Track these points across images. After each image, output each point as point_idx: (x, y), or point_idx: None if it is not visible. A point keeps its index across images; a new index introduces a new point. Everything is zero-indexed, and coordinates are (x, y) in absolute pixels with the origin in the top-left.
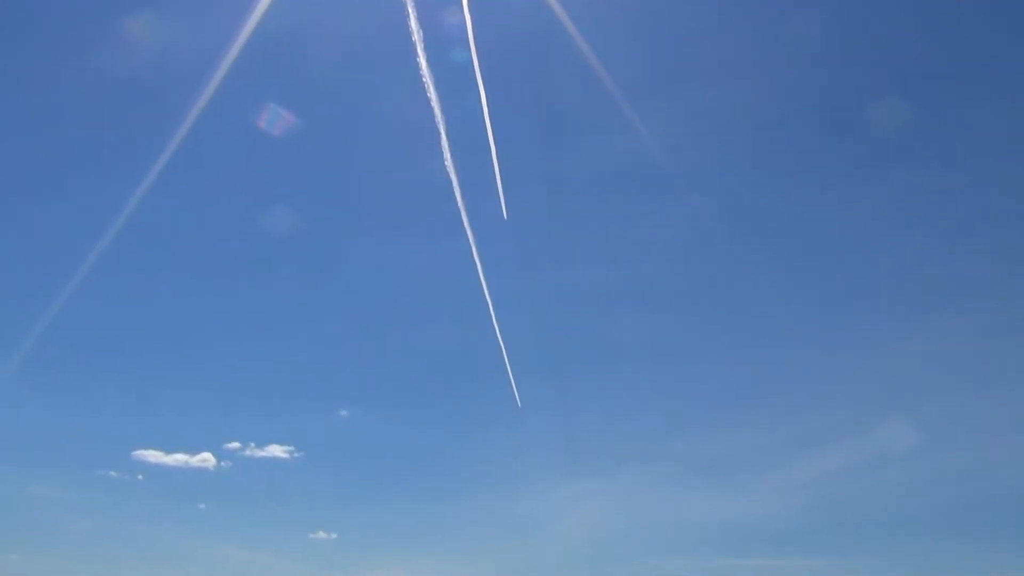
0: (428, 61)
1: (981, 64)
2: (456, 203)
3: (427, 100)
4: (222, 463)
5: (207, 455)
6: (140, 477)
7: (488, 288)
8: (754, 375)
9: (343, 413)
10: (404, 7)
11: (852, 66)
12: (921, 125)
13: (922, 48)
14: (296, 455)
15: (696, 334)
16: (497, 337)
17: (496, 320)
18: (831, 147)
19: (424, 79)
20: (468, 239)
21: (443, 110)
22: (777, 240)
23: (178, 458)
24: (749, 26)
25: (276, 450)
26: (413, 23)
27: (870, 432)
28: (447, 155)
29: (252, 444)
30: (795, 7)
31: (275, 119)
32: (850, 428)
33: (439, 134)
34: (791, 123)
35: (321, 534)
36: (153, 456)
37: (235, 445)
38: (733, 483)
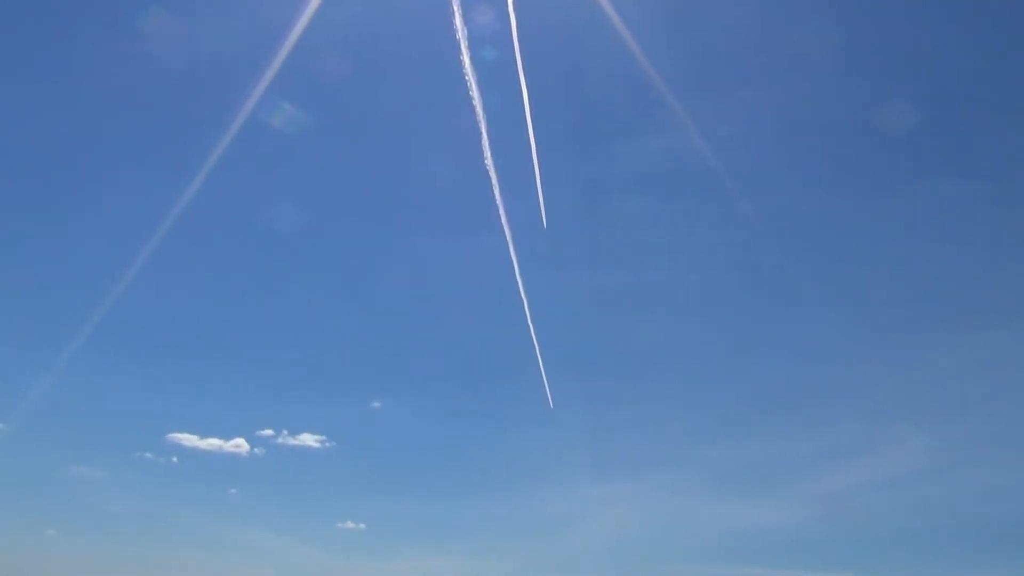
0: (472, 59)
1: None
2: (494, 201)
3: (469, 98)
4: (255, 449)
5: (240, 441)
6: (174, 460)
7: (524, 287)
8: (786, 384)
9: (376, 405)
10: (449, 5)
11: (907, 77)
12: (972, 139)
13: (979, 61)
14: (328, 444)
15: (729, 341)
16: (531, 336)
17: (531, 319)
18: (879, 156)
19: (467, 77)
20: (505, 237)
21: (484, 108)
22: (816, 249)
23: (212, 442)
24: (802, 30)
25: (308, 439)
26: (458, 21)
27: (900, 447)
28: (487, 153)
29: (285, 432)
30: (851, 14)
31: (318, 117)
32: (880, 441)
33: (480, 132)
34: (839, 130)
35: (349, 524)
36: (187, 440)
37: (268, 432)
38: (760, 493)
